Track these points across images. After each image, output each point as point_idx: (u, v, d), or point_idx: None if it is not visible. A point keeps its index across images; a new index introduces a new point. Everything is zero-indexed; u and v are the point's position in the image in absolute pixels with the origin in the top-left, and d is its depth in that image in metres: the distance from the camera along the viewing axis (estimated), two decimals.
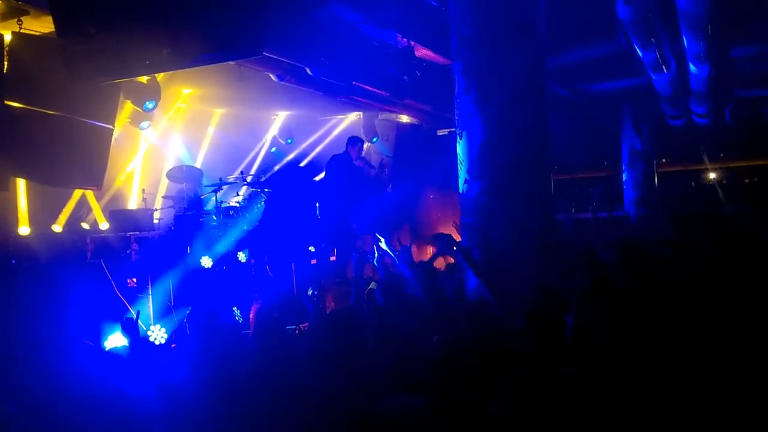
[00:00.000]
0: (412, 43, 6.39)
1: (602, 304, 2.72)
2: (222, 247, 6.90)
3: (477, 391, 2.11)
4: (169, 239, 6.99)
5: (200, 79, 7.59)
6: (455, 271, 4.37)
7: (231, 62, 5.56)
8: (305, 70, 6.01)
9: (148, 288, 5.82)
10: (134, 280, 5.88)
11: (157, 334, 5.39)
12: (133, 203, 8.26)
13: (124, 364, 2.87)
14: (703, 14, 5.17)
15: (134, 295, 5.74)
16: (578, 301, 2.61)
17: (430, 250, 8.09)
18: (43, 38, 4.94)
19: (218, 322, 3.42)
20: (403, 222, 8.54)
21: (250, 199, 8.19)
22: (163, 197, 8.20)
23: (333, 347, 2.68)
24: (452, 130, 4.57)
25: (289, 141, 10.64)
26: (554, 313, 2.64)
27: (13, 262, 6.08)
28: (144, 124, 7.55)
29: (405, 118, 10.35)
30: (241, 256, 7.12)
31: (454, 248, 4.33)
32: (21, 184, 6.51)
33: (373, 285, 4.58)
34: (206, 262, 6.52)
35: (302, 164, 10.68)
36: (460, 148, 4.15)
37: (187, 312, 5.74)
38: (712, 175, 13.69)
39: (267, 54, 5.26)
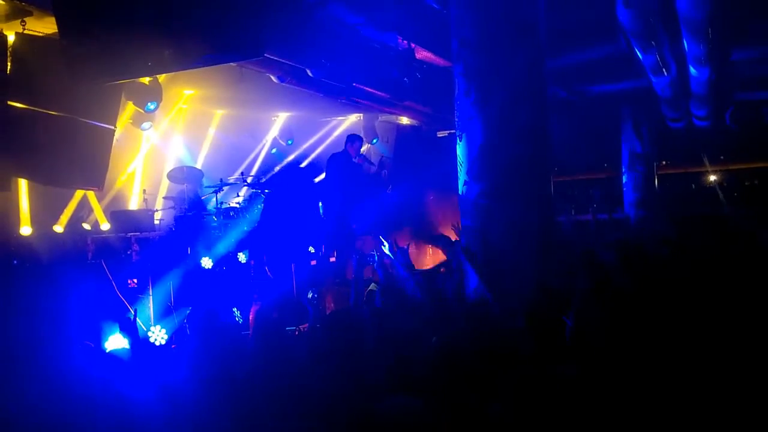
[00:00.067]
0: (413, 45, 6.40)
1: (602, 304, 2.73)
2: (222, 247, 6.91)
3: (477, 391, 2.11)
4: (169, 240, 7.00)
5: (201, 81, 7.61)
6: (454, 271, 4.37)
7: (232, 63, 5.57)
8: (306, 72, 6.03)
9: (149, 289, 5.82)
10: (135, 280, 5.88)
11: (158, 335, 5.39)
12: (134, 204, 8.28)
13: (125, 365, 2.88)
14: (704, 18, 5.17)
15: (135, 296, 5.74)
16: (578, 302, 2.62)
17: (430, 252, 8.10)
18: (45, 39, 4.95)
19: (218, 322, 3.43)
20: (402, 223, 8.54)
21: (250, 200, 8.20)
22: (163, 198, 8.21)
23: (332, 348, 2.68)
24: (452, 131, 4.58)
25: (290, 142, 10.66)
26: (554, 313, 2.65)
27: (15, 262, 6.10)
28: (145, 124, 7.56)
29: (405, 120, 10.37)
30: (242, 257, 7.13)
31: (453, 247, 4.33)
32: (23, 184, 6.53)
33: (373, 286, 4.59)
34: (206, 262, 6.53)
35: (302, 165, 10.69)
36: (460, 149, 4.16)
37: (188, 313, 5.74)
38: (712, 178, 13.70)
39: (268, 55, 5.27)
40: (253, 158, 10.46)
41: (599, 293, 2.85)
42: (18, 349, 4.28)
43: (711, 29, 5.46)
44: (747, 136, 10.73)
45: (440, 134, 10.55)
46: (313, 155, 10.87)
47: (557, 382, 1.94)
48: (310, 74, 6.00)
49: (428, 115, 9.18)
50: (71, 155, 5.20)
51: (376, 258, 4.21)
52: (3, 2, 4.71)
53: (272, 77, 6.46)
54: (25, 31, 4.89)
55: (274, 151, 10.64)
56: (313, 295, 5.94)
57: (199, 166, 8.96)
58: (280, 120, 10.52)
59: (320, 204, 7.45)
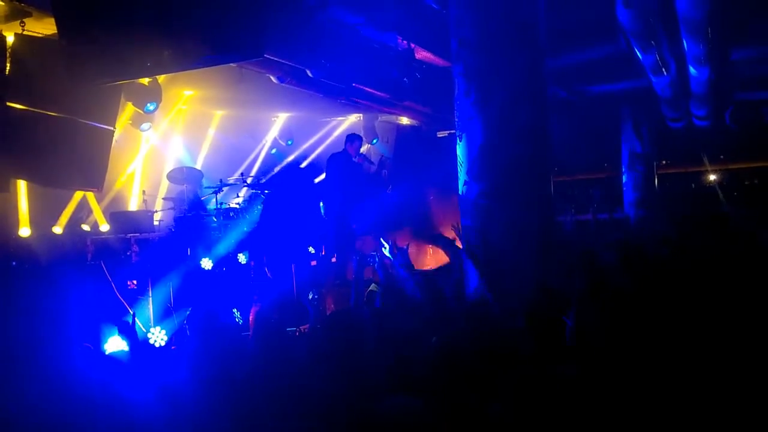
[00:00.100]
0: (413, 45, 6.40)
1: (602, 304, 2.72)
2: (222, 248, 6.91)
3: (477, 391, 2.11)
4: (169, 241, 7.00)
5: (201, 81, 7.61)
6: (453, 271, 4.37)
7: (232, 64, 5.57)
8: (306, 72, 6.03)
9: (149, 290, 5.82)
10: (134, 281, 5.88)
11: (157, 336, 5.39)
12: (133, 205, 8.28)
13: (124, 366, 2.87)
14: (703, 17, 5.18)
15: (134, 297, 5.73)
16: (578, 302, 2.62)
17: (430, 252, 8.10)
18: (45, 40, 4.95)
19: (218, 323, 3.42)
20: (402, 223, 8.54)
21: (250, 201, 8.20)
22: (163, 199, 8.21)
23: (333, 348, 2.68)
24: (452, 131, 4.57)
25: (290, 142, 10.66)
26: (554, 313, 2.64)
27: (14, 263, 6.09)
28: (145, 125, 7.56)
29: (405, 120, 10.37)
30: (242, 258, 7.13)
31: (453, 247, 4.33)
32: (22, 185, 6.53)
33: (373, 287, 4.58)
34: (206, 263, 6.53)
35: (302, 165, 10.69)
36: (460, 149, 4.16)
37: (187, 313, 5.74)
38: (712, 177, 13.71)
39: (268, 56, 5.26)
40: (253, 159, 10.46)
41: (599, 293, 2.85)
42: (17, 350, 4.28)
43: (710, 29, 5.46)
44: (747, 135, 10.74)
45: (440, 134, 10.54)
46: (313, 155, 10.87)
47: (557, 382, 1.94)
48: (309, 74, 6.00)
49: (428, 115, 9.17)
50: (70, 156, 5.20)
51: (377, 259, 4.20)
52: (2, 3, 4.71)
53: (272, 78, 6.46)
54: (25, 32, 4.89)
55: (273, 151, 10.65)
56: (313, 296, 5.94)
57: (198, 166, 8.96)
58: (279, 120, 10.52)
59: (321, 204, 7.45)
